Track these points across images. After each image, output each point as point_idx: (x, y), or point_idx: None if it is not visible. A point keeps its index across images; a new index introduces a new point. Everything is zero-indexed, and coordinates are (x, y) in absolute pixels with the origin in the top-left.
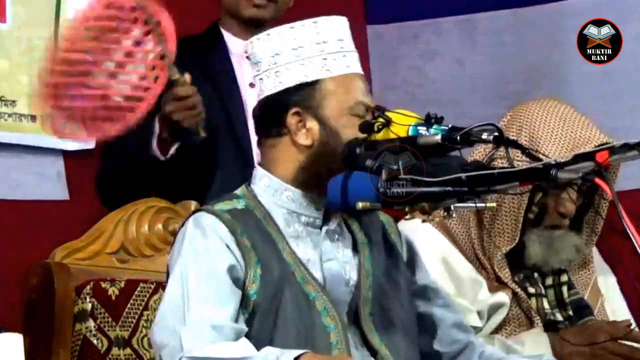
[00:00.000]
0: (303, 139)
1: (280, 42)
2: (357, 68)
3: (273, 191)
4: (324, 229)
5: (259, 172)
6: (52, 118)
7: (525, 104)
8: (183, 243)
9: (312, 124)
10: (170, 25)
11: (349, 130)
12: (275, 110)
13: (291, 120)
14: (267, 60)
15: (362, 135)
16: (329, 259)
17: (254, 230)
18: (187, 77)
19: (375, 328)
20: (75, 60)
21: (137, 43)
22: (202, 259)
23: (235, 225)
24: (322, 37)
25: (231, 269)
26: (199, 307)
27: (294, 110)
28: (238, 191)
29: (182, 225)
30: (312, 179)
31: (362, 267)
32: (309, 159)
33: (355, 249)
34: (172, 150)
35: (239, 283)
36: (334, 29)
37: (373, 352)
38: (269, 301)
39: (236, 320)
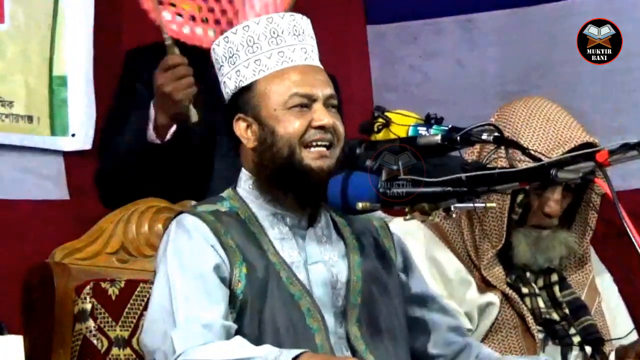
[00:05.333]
0: (249, 143)
1: (220, 54)
2: (298, 59)
3: (257, 193)
4: (310, 230)
5: (243, 175)
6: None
7: (511, 104)
8: (167, 246)
9: (255, 127)
10: None
11: (286, 124)
12: (228, 120)
13: (237, 126)
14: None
15: (299, 126)
16: (315, 262)
17: (238, 231)
18: (177, 49)
19: (362, 334)
20: None
21: None
22: (186, 259)
23: (218, 226)
24: (254, 40)
25: (217, 268)
26: (188, 307)
27: (237, 117)
28: (224, 193)
29: (165, 228)
30: (269, 179)
31: (352, 272)
32: (258, 160)
33: (345, 253)
34: (169, 135)
35: (226, 282)
36: (266, 28)
37: (357, 357)
38: (256, 299)
39: (226, 318)
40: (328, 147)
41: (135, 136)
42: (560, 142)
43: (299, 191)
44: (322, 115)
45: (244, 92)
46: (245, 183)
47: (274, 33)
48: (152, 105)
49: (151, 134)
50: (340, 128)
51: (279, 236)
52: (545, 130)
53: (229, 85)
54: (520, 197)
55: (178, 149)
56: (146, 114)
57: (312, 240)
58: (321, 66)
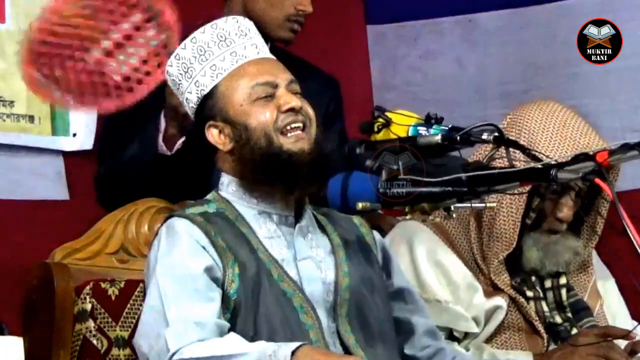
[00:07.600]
0: (225, 147)
1: (175, 73)
2: (251, 55)
3: (241, 193)
4: (297, 226)
5: (225, 179)
6: (40, 84)
7: (524, 107)
8: (158, 250)
9: (227, 129)
10: (173, 16)
11: (256, 116)
12: (198, 134)
13: (210, 134)
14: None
15: (270, 114)
16: (304, 258)
17: (228, 232)
18: None
19: (352, 328)
20: (68, 34)
21: (137, 28)
22: (177, 261)
23: (209, 227)
24: (204, 48)
25: (209, 270)
26: (179, 306)
27: (208, 125)
28: (209, 196)
29: (156, 233)
30: (253, 176)
31: (339, 268)
32: (237, 160)
33: (331, 250)
34: (178, 145)
35: (218, 283)
36: (212, 34)
37: (348, 352)
38: (250, 299)
39: (219, 317)
40: (302, 129)
41: (144, 146)
42: (578, 149)
43: (285, 177)
44: (288, 98)
45: (207, 100)
46: (227, 186)
47: (221, 37)
48: (162, 116)
49: (161, 144)
50: (310, 110)
51: (268, 234)
52: (562, 136)
53: (191, 99)
54: (536, 202)
55: (186, 159)
56: (154, 123)
57: (300, 236)
58: (274, 58)
